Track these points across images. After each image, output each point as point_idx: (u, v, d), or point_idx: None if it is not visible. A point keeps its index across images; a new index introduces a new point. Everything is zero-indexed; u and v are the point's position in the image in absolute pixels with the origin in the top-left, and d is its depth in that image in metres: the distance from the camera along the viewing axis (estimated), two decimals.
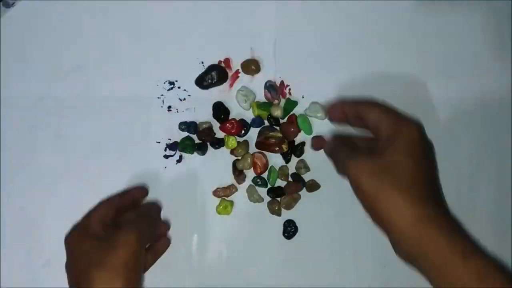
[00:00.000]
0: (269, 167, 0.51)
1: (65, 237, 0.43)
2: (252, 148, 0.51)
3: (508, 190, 0.52)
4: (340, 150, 0.44)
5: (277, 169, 0.51)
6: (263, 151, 0.51)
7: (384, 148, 0.39)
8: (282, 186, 0.51)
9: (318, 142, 0.51)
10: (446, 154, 0.52)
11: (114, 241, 0.39)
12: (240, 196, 0.51)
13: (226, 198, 0.51)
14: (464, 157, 0.52)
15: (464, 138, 0.52)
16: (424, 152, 0.40)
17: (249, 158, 0.50)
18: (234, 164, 0.51)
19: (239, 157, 0.51)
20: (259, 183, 0.51)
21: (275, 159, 0.51)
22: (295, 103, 0.52)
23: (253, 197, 0.51)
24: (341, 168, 0.43)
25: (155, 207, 0.50)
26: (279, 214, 0.50)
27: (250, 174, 0.51)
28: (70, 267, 0.41)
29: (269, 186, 0.51)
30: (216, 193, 0.51)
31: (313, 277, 0.50)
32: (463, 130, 0.53)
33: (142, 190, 0.50)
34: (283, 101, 0.52)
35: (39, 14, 0.53)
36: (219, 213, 0.51)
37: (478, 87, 0.53)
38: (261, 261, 0.50)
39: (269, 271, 0.50)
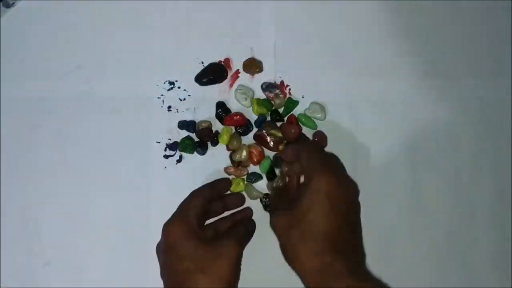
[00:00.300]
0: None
1: (165, 226, 0.44)
2: (250, 142, 0.51)
3: (508, 190, 0.52)
4: (272, 200, 0.49)
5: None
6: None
7: (298, 200, 0.43)
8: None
9: (318, 136, 0.51)
10: (446, 154, 0.52)
11: (218, 251, 0.43)
12: None
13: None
14: (464, 157, 0.52)
15: (464, 138, 0.52)
16: (331, 205, 0.41)
17: (244, 149, 0.50)
18: (231, 157, 0.51)
19: (235, 150, 0.51)
20: (254, 179, 0.51)
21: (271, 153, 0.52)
22: (296, 103, 0.52)
23: (253, 195, 0.51)
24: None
25: (248, 212, 0.51)
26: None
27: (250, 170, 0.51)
28: (172, 262, 0.43)
29: (264, 175, 0.51)
30: (227, 170, 0.51)
31: None
32: (463, 130, 0.53)
33: (227, 183, 0.50)
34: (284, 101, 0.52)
35: (39, 14, 0.53)
36: (232, 190, 0.51)
37: (478, 87, 0.53)
38: (261, 262, 0.50)
39: (271, 271, 0.50)
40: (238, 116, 0.51)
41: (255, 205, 0.51)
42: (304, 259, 0.41)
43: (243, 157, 0.50)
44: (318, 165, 0.43)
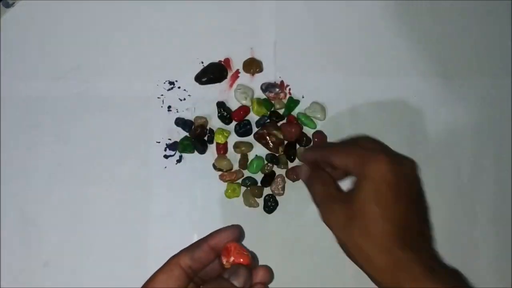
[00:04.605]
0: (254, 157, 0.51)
1: None
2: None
3: (508, 190, 0.52)
4: (315, 188, 0.43)
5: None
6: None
7: (353, 194, 0.38)
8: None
9: (319, 137, 0.51)
10: (446, 154, 0.52)
11: None
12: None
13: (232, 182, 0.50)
14: (465, 157, 0.52)
15: (464, 138, 0.52)
16: (394, 193, 0.37)
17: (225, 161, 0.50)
18: (214, 165, 0.51)
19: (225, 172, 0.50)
20: (249, 183, 0.50)
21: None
22: (297, 102, 0.52)
23: (248, 202, 0.50)
24: (316, 205, 0.43)
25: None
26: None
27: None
28: None
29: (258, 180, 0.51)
30: (222, 177, 0.50)
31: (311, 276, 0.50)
32: (463, 130, 0.52)
33: (230, 235, 0.39)
34: (284, 101, 0.52)
35: (39, 14, 0.53)
36: (228, 197, 0.50)
37: (478, 87, 0.53)
38: (261, 262, 0.50)
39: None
40: (242, 112, 0.50)
41: (251, 212, 0.51)
42: (371, 257, 0.36)
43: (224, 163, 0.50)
44: (367, 155, 0.39)
